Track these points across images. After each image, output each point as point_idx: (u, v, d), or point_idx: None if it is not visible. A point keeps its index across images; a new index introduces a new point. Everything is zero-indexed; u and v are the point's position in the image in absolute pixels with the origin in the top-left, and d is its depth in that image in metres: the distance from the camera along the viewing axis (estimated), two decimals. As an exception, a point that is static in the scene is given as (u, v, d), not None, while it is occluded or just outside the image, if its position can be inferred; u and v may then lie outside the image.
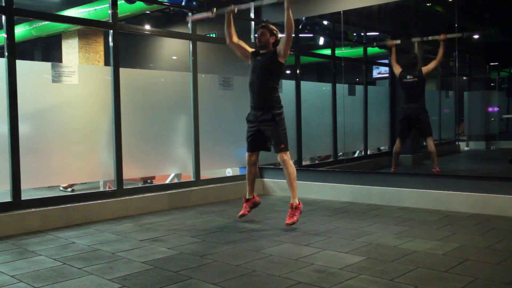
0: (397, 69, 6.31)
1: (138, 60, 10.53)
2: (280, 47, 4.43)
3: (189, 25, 5.96)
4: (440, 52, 5.92)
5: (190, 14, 5.21)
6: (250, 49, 4.74)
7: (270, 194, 6.48)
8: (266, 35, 4.55)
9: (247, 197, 4.76)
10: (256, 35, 6.76)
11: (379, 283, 2.84)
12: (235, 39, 4.68)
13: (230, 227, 4.51)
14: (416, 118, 6.11)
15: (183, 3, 6.42)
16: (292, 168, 4.46)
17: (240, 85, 6.48)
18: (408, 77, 6.15)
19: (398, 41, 6.47)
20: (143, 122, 5.49)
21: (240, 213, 4.68)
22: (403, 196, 5.39)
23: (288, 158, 4.46)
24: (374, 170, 6.94)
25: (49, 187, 7.25)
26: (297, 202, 4.42)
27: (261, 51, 4.62)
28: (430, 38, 6.29)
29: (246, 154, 4.72)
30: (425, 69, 6.10)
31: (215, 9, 4.67)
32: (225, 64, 7.56)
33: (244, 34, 7.02)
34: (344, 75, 6.89)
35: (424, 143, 6.28)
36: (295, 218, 4.33)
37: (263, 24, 4.70)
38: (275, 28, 4.63)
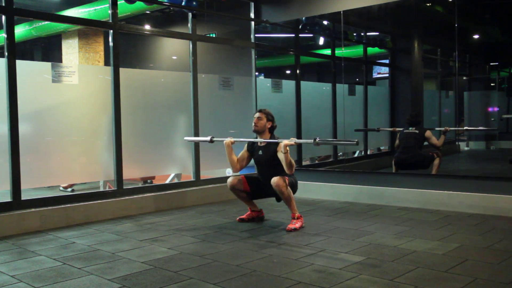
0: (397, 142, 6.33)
1: (138, 60, 10.52)
2: (281, 157, 4.29)
3: (189, 25, 5.96)
4: (441, 139, 6.00)
5: (186, 138, 5.29)
6: (245, 151, 4.70)
7: (270, 194, 6.48)
8: (262, 119, 4.54)
9: (252, 209, 4.78)
10: (257, 35, 6.79)
11: (379, 283, 2.84)
12: (239, 165, 4.67)
13: (230, 227, 4.51)
14: (411, 163, 6.09)
15: (183, 3, 6.42)
16: (287, 191, 4.31)
17: (240, 85, 6.48)
18: (410, 128, 6.17)
19: (401, 129, 6.45)
20: (143, 122, 5.49)
21: (241, 216, 4.73)
22: (403, 196, 5.39)
23: (284, 185, 4.28)
24: (374, 170, 6.93)
25: (49, 187, 7.25)
26: (298, 214, 4.40)
27: (259, 144, 4.58)
28: (436, 129, 6.34)
29: (230, 178, 4.62)
30: (428, 134, 6.09)
31: (213, 138, 4.71)
32: (225, 64, 7.56)
33: (244, 34, 7.04)
34: (344, 75, 6.89)
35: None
36: (297, 225, 4.32)
37: (260, 108, 4.68)
38: (271, 114, 4.60)
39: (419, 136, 6.11)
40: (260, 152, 4.58)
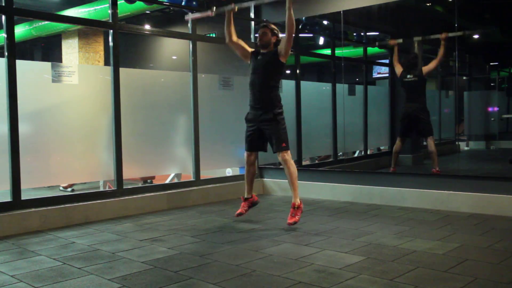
0: (398, 69, 6.31)
1: (138, 60, 10.52)
2: (281, 47, 4.44)
3: (189, 25, 5.96)
4: (441, 51, 5.93)
5: (189, 13, 5.18)
6: (250, 49, 4.73)
7: (270, 194, 6.48)
8: (267, 34, 4.55)
9: (245, 196, 4.76)
10: (257, 34, 6.79)
11: (379, 283, 2.84)
12: (235, 38, 4.66)
13: (230, 227, 4.51)
14: (417, 118, 6.12)
15: (183, 3, 6.42)
16: (293, 167, 4.45)
17: (240, 85, 6.48)
18: (408, 76, 6.16)
19: (400, 41, 6.47)
20: (143, 122, 5.49)
21: (238, 211, 4.68)
22: (403, 196, 5.39)
23: (289, 158, 4.45)
24: (374, 170, 6.93)
25: (49, 187, 7.25)
26: (299, 202, 4.42)
27: (262, 51, 4.61)
28: (431, 37, 6.29)
29: (245, 153, 4.72)
30: (425, 68, 6.11)
31: (214, 7, 4.65)
32: (225, 64, 7.56)
33: (244, 34, 7.03)
34: (344, 75, 6.89)
35: (425, 143, 6.28)
36: (297, 217, 4.34)
37: (264, 24, 4.69)
38: (276, 28, 4.62)
39: (420, 83, 6.10)
40: (259, 57, 4.58)
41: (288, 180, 4.49)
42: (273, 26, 4.63)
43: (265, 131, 4.52)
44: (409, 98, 6.22)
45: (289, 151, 4.47)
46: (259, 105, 4.52)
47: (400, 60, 6.35)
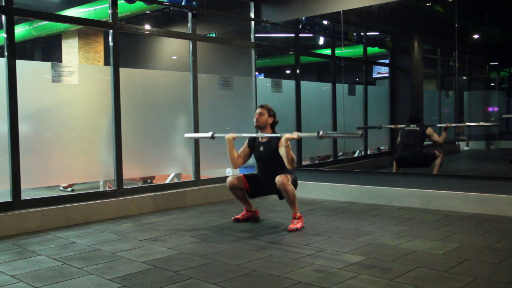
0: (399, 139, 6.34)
1: (138, 60, 10.52)
2: (282, 153, 4.30)
3: (189, 24, 5.96)
4: (443, 136, 5.98)
5: (186, 134, 5.28)
6: (246, 146, 4.71)
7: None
8: (264, 115, 4.55)
9: (247, 209, 4.77)
10: (257, 34, 6.79)
11: (379, 283, 2.84)
12: (240, 161, 4.67)
13: (230, 227, 4.51)
14: (413, 161, 6.09)
15: (183, 3, 6.42)
16: (292, 189, 4.31)
17: (240, 85, 6.47)
18: (411, 126, 6.17)
19: (403, 126, 6.43)
20: (143, 122, 5.50)
21: (236, 216, 4.73)
22: (403, 196, 5.39)
23: (288, 183, 4.28)
24: (374, 170, 6.93)
25: (49, 187, 7.25)
26: (299, 214, 4.39)
27: (260, 140, 4.58)
28: (438, 125, 6.33)
29: (230, 176, 4.65)
30: (430, 131, 6.08)
31: (215, 134, 4.73)
32: (225, 64, 7.56)
33: (244, 34, 7.04)
34: (344, 75, 6.88)
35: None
36: (298, 225, 4.31)
37: (262, 104, 4.67)
38: (273, 109, 4.60)
39: (420, 134, 6.10)
40: (261, 148, 4.57)
41: (287, 202, 4.39)
42: (269, 107, 4.60)
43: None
44: (406, 144, 6.14)
45: (289, 176, 4.36)
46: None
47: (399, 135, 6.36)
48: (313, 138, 4.03)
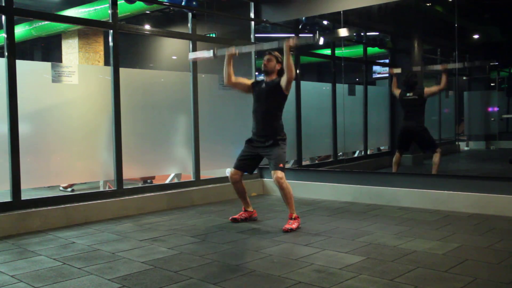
0: (397, 92, 6.30)
1: (138, 60, 10.52)
2: (283, 84, 4.40)
3: (189, 25, 5.96)
4: (443, 80, 5.94)
5: (191, 52, 5.25)
6: (249, 81, 4.74)
7: (270, 194, 6.48)
8: (272, 61, 4.57)
9: (245, 209, 4.78)
10: (257, 34, 6.79)
11: (379, 283, 2.84)
12: (233, 78, 4.67)
13: (230, 227, 4.51)
14: (415, 134, 6.09)
15: (183, 3, 6.42)
16: (287, 187, 4.37)
17: (240, 85, 6.46)
18: (408, 94, 6.14)
19: (399, 70, 6.46)
20: (143, 122, 5.49)
21: (233, 216, 4.73)
22: (403, 196, 5.39)
23: (283, 178, 4.35)
24: (374, 170, 6.93)
25: (49, 187, 7.25)
26: (296, 215, 4.40)
27: (265, 79, 4.61)
28: (430, 67, 6.31)
29: (231, 171, 4.69)
30: (427, 90, 6.08)
31: (216, 49, 4.71)
32: (225, 64, 7.54)
33: (244, 34, 7.04)
34: (343, 75, 6.89)
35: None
36: (294, 226, 4.31)
37: (270, 51, 4.69)
38: (280, 56, 4.62)
39: (420, 101, 6.08)
40: (263, 85, 4.59)
41: (283, 200, 4.44)
42: (277, 54, 4.63)
43: (264, 155, 4.53)
44: (407, 115, 6.17)
45: (283, 173, 4.40)
46: (262, 133, 4.52)
47: (399, 85, 6.33)
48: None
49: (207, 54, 4.80)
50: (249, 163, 4.67)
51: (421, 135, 6.06)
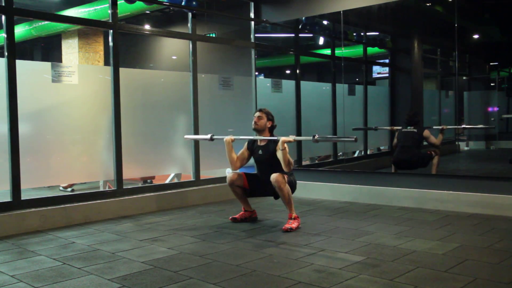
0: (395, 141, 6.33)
1: (138, 60, 10.52)
2: (279, 156, 4.30)
3: (189, 25, 5.96)
4: (440, 138, 5.99)
5: (186, 136, 5.31)
6: (245, 149, 4.72)
7: (270, 194, 6.48)
8: (263, 118, 4.58)
9: (245, 209, 4.77)
10: (257, 34, 6.79)
11: (379, 283, 2.84)
12: (239, 164, 4.68)
13: (230, 227, 4.51)
14: (409, 162, 6.08)
15: (183, 3, 6.41)
16: (287, 188, 4.34)
17: (240, 85, 6.47)
18: (408, 128, 6.16)
19: (399, 127, 6.44)
20: (143, 122, 5.49)
21: (233, 216, 4.72)
22: (403, 196, 5.39)
23: (284, 180, 4.32)
24: (374, 170, 6.93)
25: (49, 187, 7.25)
26: (295, 215, 4.41)
27: (259, 144, 4.60)
28: (434, 127, 6.33)
29: (230, 173, 4.67)
30: (426, 133, 6.09)
31: (213, 136, 4.75)
32: (225, 64, 7.56)
33: (244, 34, 7.04)
34: (343, 75, 6.88)
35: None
36: (293, 225, 4.31)
37: (260, 108, 4.71)
38: (271, 113, 4.64)
39: (418, 136, 6.11)
40: (260, 152, 4.60)
41: (283, 201, 4.41)
42: (268, 111, 4.64)
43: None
44: (404, 146, 6.13)
45: (286, 176, 4.38)
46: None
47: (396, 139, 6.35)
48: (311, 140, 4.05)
49: (204, 136, 4.86)
50: (255, 182, 4.66)
51: (417, 162, 6.08)
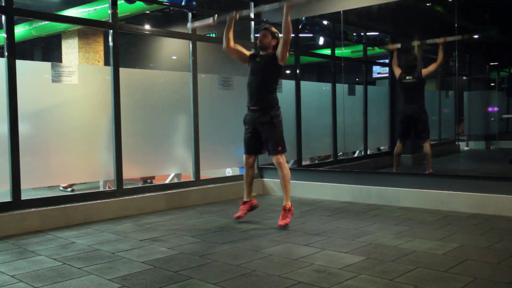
0: (397, 71, 6.32)
1: (138, 60, 10.53)
2: (278, 52, 4.45)
3: (189, 25, 5.96)
4: (440, 55, 5.94)
5: (190, 22, 5.23)
6: (248, 52, 4.77)
7: (269, 194, 6.48)
8: (268, 37, 4.58)
9: (244, 200, 4.77)
10: (257, 34, 6.79)
11: (379, 283, 2.84)
12: (232, 44, 4.69)
13: (230, 227, 4.51)
14: (415, 119, 6.12)
15: (183, 3, 6.42)
16: (287, 170, 4.49)
17: (240, 85, 6.47)
18: (407, 78, 6.16)
19: (399, 45, 6.47)
20: (143, 122, 5.49)
21: (237, 214, 4.69)
22: (403, 196, 5.39)
23: (283, 161, 4.47)
24: (374, 170, 6.93)
25: (49, 187, 7.25)
26: (290, 205, 4.44)
27: (261, 53, 4.64)
28: (430, 41, 6.31)
29: (244, 156, 4.74)
30: (425, 71, 6.11)
31: (216, 16, 4.71)
32: (225, 64, 7.55)
33: (244, 34, 7.03)
34: (344, 75, 6.89)
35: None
36: (288, 220, 4.36)
37: (265, 26, 4.72)
38: (276, 31, 4.65)
39: (419, 84, 6.11)
40: (258, 59, 4.61)
41: (280, 183, 4.53)
42: (273, 29, 4.66)
43: (261, 133, 4.54)
44: (407, 99, 6.22)
45: (284, 155, 4.49)
46: (257, 107, 4.54)
47: (399, 63, 6.35)
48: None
49: (207, 21, 4.81)
50: (256, 143, 4.66)
51: (421, 118, 6.09)
